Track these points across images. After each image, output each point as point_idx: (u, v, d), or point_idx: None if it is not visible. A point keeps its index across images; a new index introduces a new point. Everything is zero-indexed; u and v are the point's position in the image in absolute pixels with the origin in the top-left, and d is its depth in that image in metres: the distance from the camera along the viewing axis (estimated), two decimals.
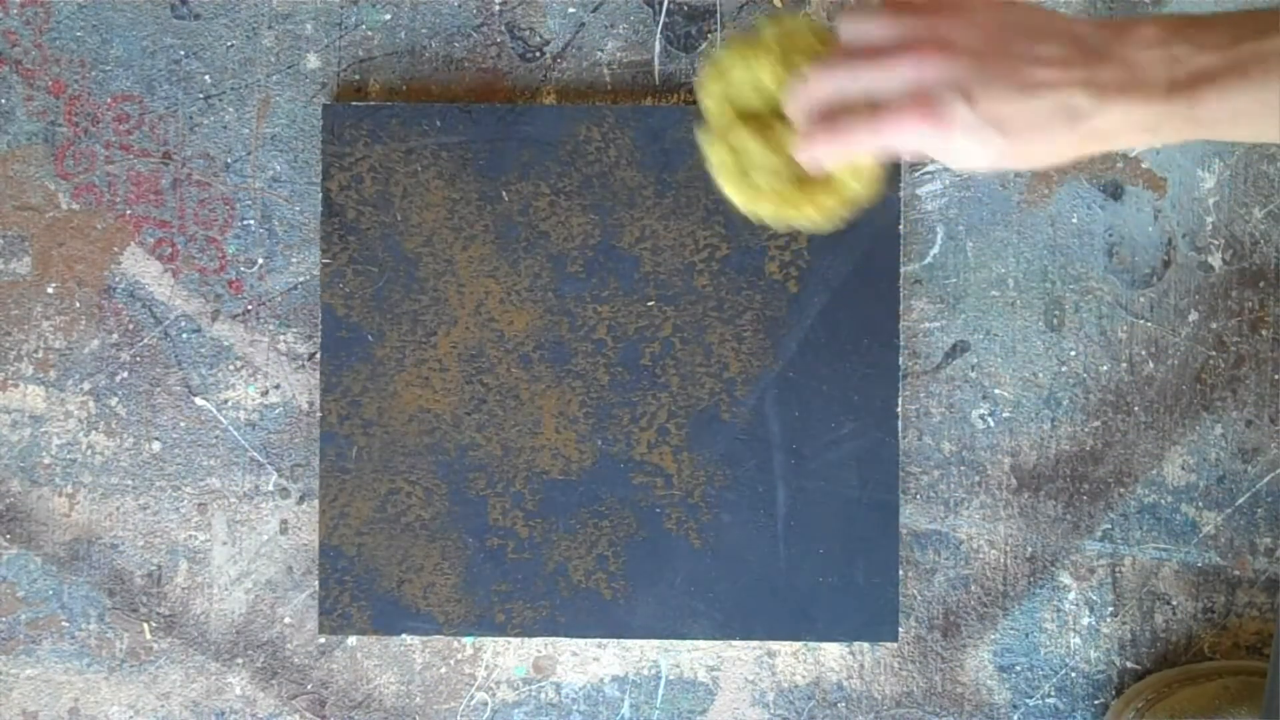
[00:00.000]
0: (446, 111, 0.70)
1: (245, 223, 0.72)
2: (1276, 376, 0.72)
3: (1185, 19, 0.53)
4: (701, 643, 0.72)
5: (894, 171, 0.70)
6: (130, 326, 0.72)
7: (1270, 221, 0.72)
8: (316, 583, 0.72)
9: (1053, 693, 0.72)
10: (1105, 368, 0.72)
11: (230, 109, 0.72)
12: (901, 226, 0.70)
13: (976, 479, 0.72)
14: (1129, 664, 0.72)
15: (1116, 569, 0.72)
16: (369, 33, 0.72)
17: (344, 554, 0.70)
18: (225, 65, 0.72)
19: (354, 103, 0.71)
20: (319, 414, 0.71)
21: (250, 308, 0.72)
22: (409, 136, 0.70)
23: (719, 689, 0.72)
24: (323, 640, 0.72)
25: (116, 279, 0.72)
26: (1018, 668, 0.72)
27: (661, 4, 0.72)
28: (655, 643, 0.72)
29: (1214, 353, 0.72)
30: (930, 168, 0.72)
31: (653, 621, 0.70)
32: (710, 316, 0.70)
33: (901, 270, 0.70)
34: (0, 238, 0.72)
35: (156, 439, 0.72)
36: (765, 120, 0.61)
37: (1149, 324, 0.72)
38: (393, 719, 0.72)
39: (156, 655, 0.72)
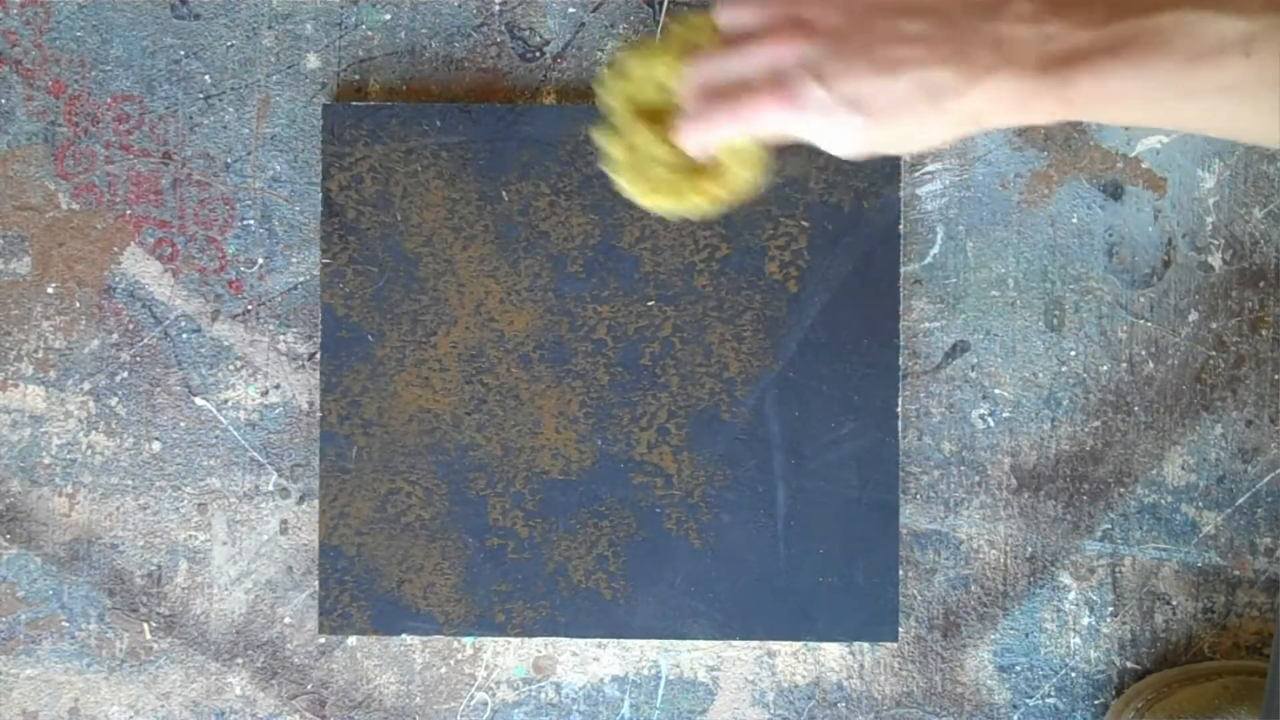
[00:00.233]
0: (446, 111, 0.70)
1: (245, 223, 0.72)
2: (1276, 376, 0.72)
3: None
4: (701, 643, 0.72)
5: (894, 171, 0.70)
6: (130, 326, 0.72)
7: (1270, 221, 0.72)
8: (316, 583, 0.72)
9: (1053, 693, 0.72)
10: (1105, 368, 0.72)
11: (230, 109, 0.72)
12: (901, 226, 0.70)
13: (976, 479, 0.72)
14: (1129, 664, 0.72)
15: (1116, 569, 0.72)
16: (369, 33, 0.72)
17: (344, 554, 0.70)
18: (225, 65, 0.72)
19: (354, 103, 0.71)
20: (319, 414, 0.71)
21: (250, 308, 0.72)
22: (409, 136, 0.70)
23: (719, 689, 0.72)
24: (323, 640, 0.72)
25: (116, 279, 0.72)
26: (1018, 668, 0.72)
27: (661, 4, 0.72)
28: (655, 643, 0.72)
29: (1214, 353, 0.72)
30: (930, 168, 0.72)
31: (653, 621, 0.70)
32: (710, 316, 0.70)
33: (901, 270, 0.70)
34: (0, 238, 0.72)
35: (156, 439, 0.72)
36: (663, 115, 0.61)
37: (1149, 324, 0.72)
38: (393, 719, 0.72)
39: (156, 655, 0.72)
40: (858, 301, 0.70)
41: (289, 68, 0.72)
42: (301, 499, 0.72)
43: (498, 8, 0.72)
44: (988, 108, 0.51)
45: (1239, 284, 0.72)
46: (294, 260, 0.72)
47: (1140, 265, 0.72)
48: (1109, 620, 0.72)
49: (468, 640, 0.72)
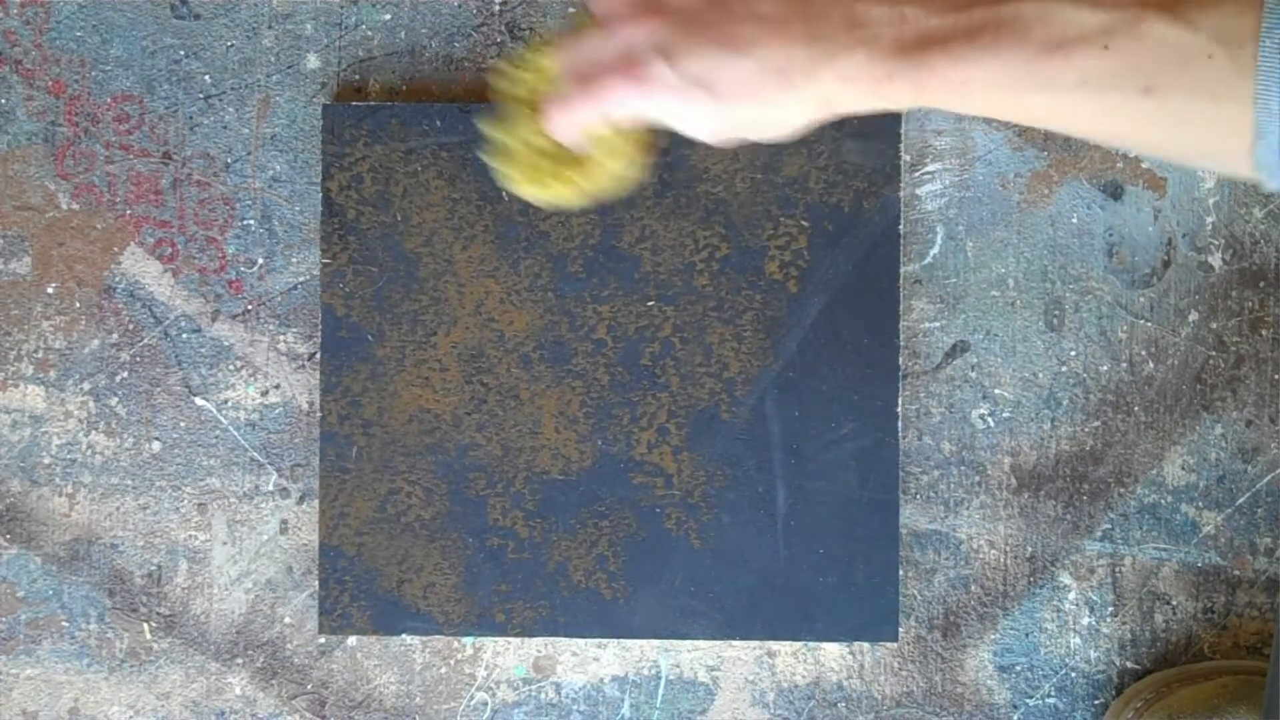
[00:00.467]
0: (446, 111, 0.70)
1: (245, 223, 0.72)
2: (1276, 376, 0.72)
3: None
4: (701, 643, 0.72)
5: (894, 171, 0.70)
6: (130, 326, 0.72)
7: (1270, 221, 0.72)
8: (316, 583, 0.72)
9: (1053, 693, 0.72)
10: (1105, 368, 0.72)
11: (230, 109, 0.72)
12: (901, 226, 0.70)
13: (976, 479, 0.72)
14: (1129, 664, 0.72)
15: (1116, 569, 0.72)
16: (369, 33, 0.72)
17: (344, 554, 0.70)
18: (225, 65, 0.72)
19: (354, 103, 0.71)
20: (319, 414, 0.71)
21: (250, 308, 0.72)
22: (409, 136, 0.70)
23: (719, 689, 0.72)
24: (323, 640, 0.72)
25: (116, 279, 0.72)
26: (1018, 668, 0.72)
27: None
28: (655, 643, 0.72)
29: (1214, 353, 0.72)
30: (930, 168, 0.72)
31: (653, 621, 0.70)
32: (710, 316, 0.70)
33: (901, 270, 0.70)
34: (0, 238, 0.72)
35: (156, 439, 0.72)
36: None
37: (1149, 324, 0.72)
38: (393, 719, 0.72)
39: (156, 655, 0.72)
40: (858, 301, 0.70)
41: (289, 68, 0.72)
42: (301, 499, 0.72)
43: (498, 8, 0.72)
44: (840, 90, 0.49)
45: (1239, 284, 0.72)
46: (294, 260, 0.72)
47: (1140, 265, 0.72)
48: (1109, 620, 0.72)
49: (468, 640, 0.72)
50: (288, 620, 0.72)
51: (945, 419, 0.72)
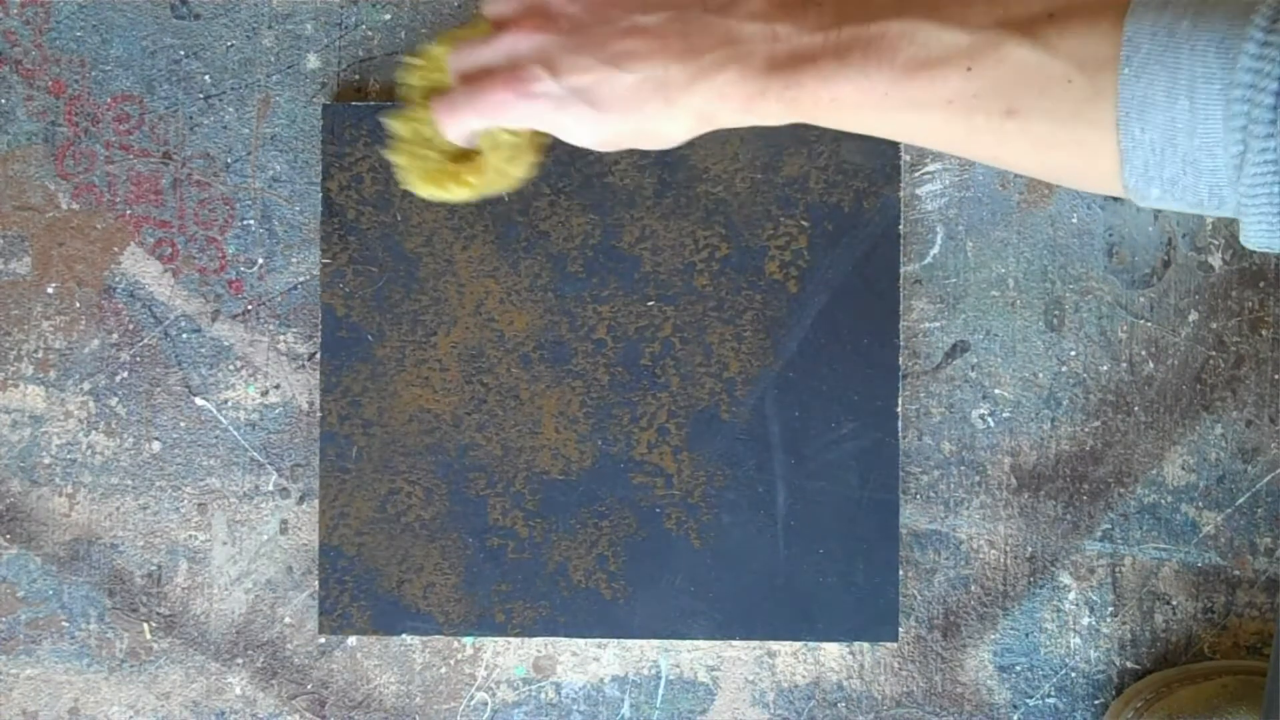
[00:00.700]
0: None
1: (245, 223, 0.72)
2: (1276, 376, 0.72)
3: None
4: (701, 643, 0.72)
5: (894, 171, 0.70)
6: (130, 326, 0.72)
7: None
8: (316, 583, 0.72)
9: (1053, 693, 0.72)
10: (1105, 368, 0.72)
11: (230, 109, 0.72)
12: (901, 226, 0.70)
13: (976, 479, 0.72)
14: (1129, 664, 0.72)
15: (1116, 569, 0.72)
16: (369, 33, 0.72)
17: (344, 554, 0.70)
18: (225, 65, 0.72)
19: (354, 103, 0.71)
20: (319, 414, 0.71)
21: (250, 308, 0.72)
22: None
23: (719, 689, 0.72)
24: (323, 640, 0.72)
25: (116, 279, 0.72)
26: (1018, 668, 0.72)
27: None
28: (655, 643, 0.72)
29: (1214, 353, 0.72)
30: (930, 168, 0.72)
31: (653, 621, 0.70)
32: (710, 316, 0.70)
33: (901, 270, 0.70)
34: (0, 238, 0.72)
35: (156, 439, 0.72)
36: None
37: (1149, 324, 0.72)
38: (393, 719, 0.72)
39: (156, 655, 0.72)
40: (858, 301, 0.70)
41: (289, 68, 0.72)
42: (301, 499, 0.72)
43: None
44: (716, 105, 0.50)
45: (1239, 284, 0.72)
46: (294, 260, 0.72)
47: (1140, 265, 0.72)
48: (1109, 620, 0.72)
49: (468, 640, 0.72)
50: (288, 620, 0.72)
51: (945, 419, 0.72)
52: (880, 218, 0.70)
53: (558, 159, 0.70)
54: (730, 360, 0.70)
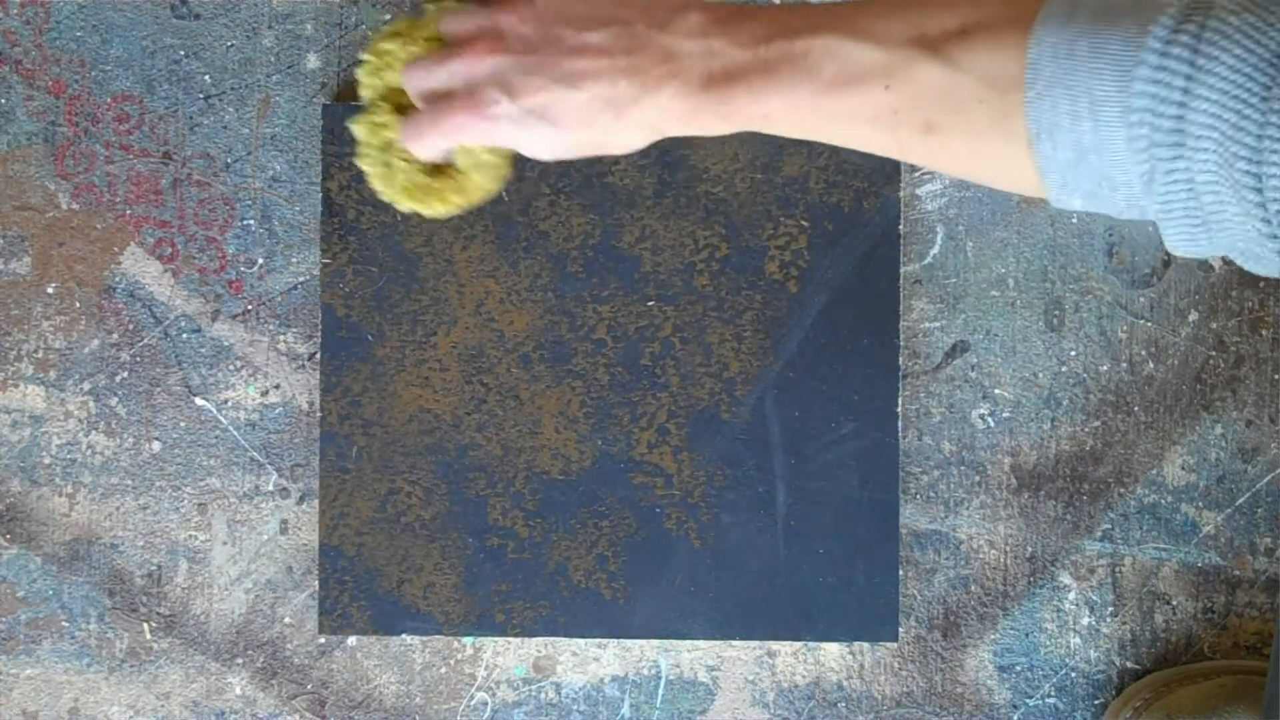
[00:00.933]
0: None
1: (245, 223, 0.72)
2: (1276, 376, 0.72)
3: (732, 9, 0.52)
4: (701, 643, 0.72)
5: (894, 171, 0.70)
6: (130, 326, 0.72)
7: None
8: (316, 583, 0.72)
9: (1053, 693, 0.72)
10: (1105, 368, 0.72)
11: (230, 109, 0.72)
12: (901, 226, 0.70)
13: (976, 479, 0.72)
14: (1129, 664, 0.72)
15: (1116, 569, 0.72)
16: (369, 33, 0.72)
17: (344, 554, 0.70)
18: (225, 65, 0.72)
19: (354, 103, 0.71)
20: (319, 414, 0.71)
21: (250, 308, 0.72)
22: None
23: (719, 689, 0.72)
24: (323, 640, 0.72)
25: (116, 279, 0.72)
26: (1018, 668, 0.72)
27: None
28: (655, 643, 0.72)
29: (1214, 353, 0.72)
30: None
31: (653, 621, 0.70)
32: (710, 316, 0.70)
33: (901, 270, 0.70)
34: (0, 238, 0.72)
35: (156, 439, 0.72)
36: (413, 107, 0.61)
37: (1149, 324, 0.72)
38: (393, 719, 0.72)
39: (156, 655, 0.72)
40: (858, 301, 0.70)
41: (289, 68, 0.72)
42: (301, 499, 0.72)
43: None
44: (661, 118, 0.52)
45: (1239, 284, 0.72)
46: (294, 260, 0.72)
47: (1140, 265, 0.72)
48: (1109, 620, 0.72)
49: (468, 640, 0.72)
50: (288, 620, 0.72)
51: (945, 419, 0.72)
52: (880, 218, 0.70)
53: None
54: (730, 360, 0.70)
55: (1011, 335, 0.72)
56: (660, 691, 0.72)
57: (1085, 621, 0.72)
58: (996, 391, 0.72)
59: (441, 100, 0.56)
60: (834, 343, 0.70)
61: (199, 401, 0.72)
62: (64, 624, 0.72)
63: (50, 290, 0.72)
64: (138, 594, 0.72)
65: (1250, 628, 0.72)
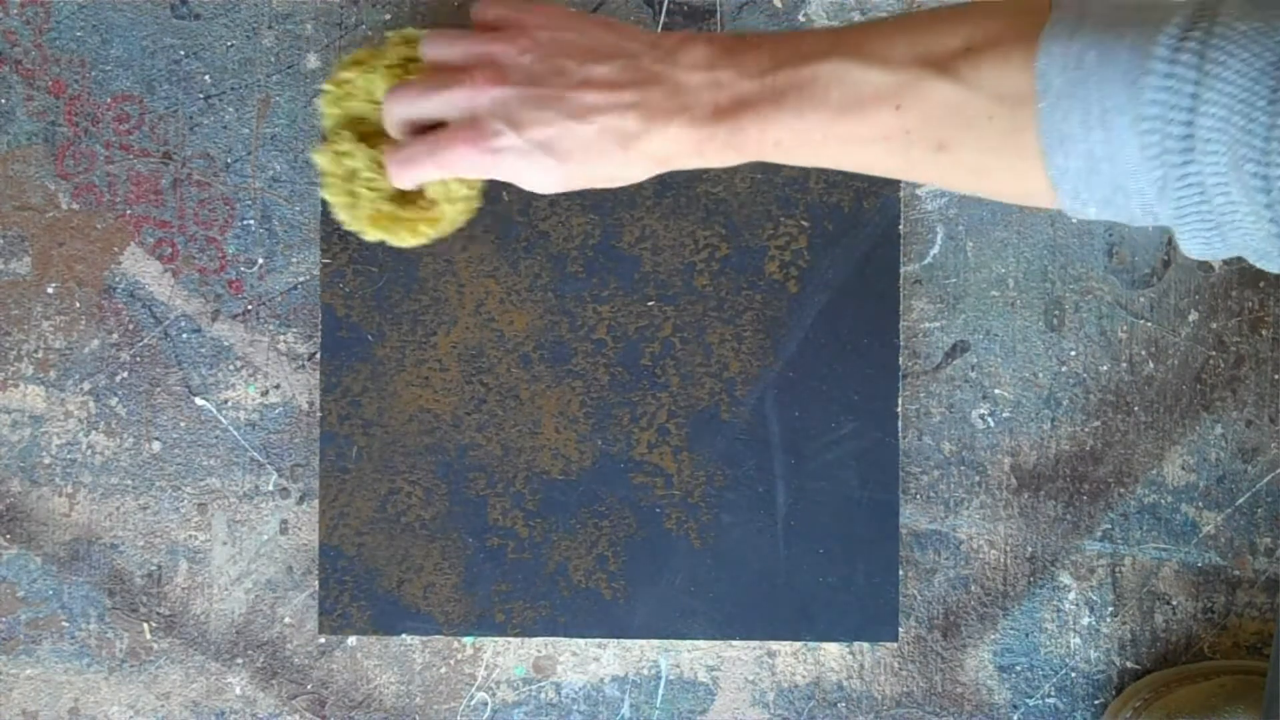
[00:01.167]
0: None
1: (245, 223, 0.72)
2: (1276, 376, 0.72)
3: (736, 39, 0.52)
4: (701, 643, 0.72)
5: None
6: (130, 326, 0.72)
7: None
8: (316, 583, 0.72)
9: (1053, 693, 0.72)
10: (1105, 368, 0.72)
11: (230, 109, 0.72)
12: (901, 226, 0.70)
13: (976, 479, 0.72)
14: (1129, 664, 0.72)
15: (1116, 569, 0.72)
16: (369, 33, 0.72)
17: (344, 554, 0.70)
18: (225, 65, 0.72)
19: None
20: (319, 414, 0.71)
21: (250, 308, 0.72)
22: None
23: (719, 689, 0.72)
24: (323, 640, 0.72)
25: (116, 279, 0.72)
26: (1018, 668, 0.72)
27: (661, 4, 0.72)
28: (655, 643, 0.72)
29: (1214, 353, 0.72)
30: None
31: (653, 621, 0.70)
32: (710, 316, 0.70)
33: (901, 270, 0.70)
34: (0, 238, 0.72)
35: (156, 439, 0.72)
36: (378, 136, 0.62)
37: (1149, 324, 0.72)
38: (393, 719, 0.72)
39: (156, 655, 0.72)
40: (858, 301, 0.70)
41: (289, 68, 0.72)
42: (301, 499, 0.72)
43: None
44: (671, 150, 0.52)
45: (1239, 284, 0.72)
46: (294, 260, 0.72)
47: (1140, 265, 0.72)
48: (1109, 620, 0.72)
49: (468, 640, 0.72)
50: (288, 620, 0.72)
51: (945, 419, 0.72)
52: (880, 218, 0.70)
53: None
54: (730, 360, 0.70)
55: (1011, 335, 0.72)
56: (660, 691, 0.72)
57: (1085, 621, 0.72)
58: (996, 391, 0.72)
59: (435, 131, 0.55)
60: (834, 343, 0.70)
61: (199, 401, 0.72)
62: (64, 624, 0.72)
63: (50, 290, 0.72)
64: (138, 594, 0.72)
65: (1250, 628, 0.72)
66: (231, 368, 0.72)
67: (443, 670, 0.72)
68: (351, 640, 0.72)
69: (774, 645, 0.72)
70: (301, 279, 0.72)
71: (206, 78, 0.72)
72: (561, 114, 0.52)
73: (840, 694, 0.72)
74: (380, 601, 0.70)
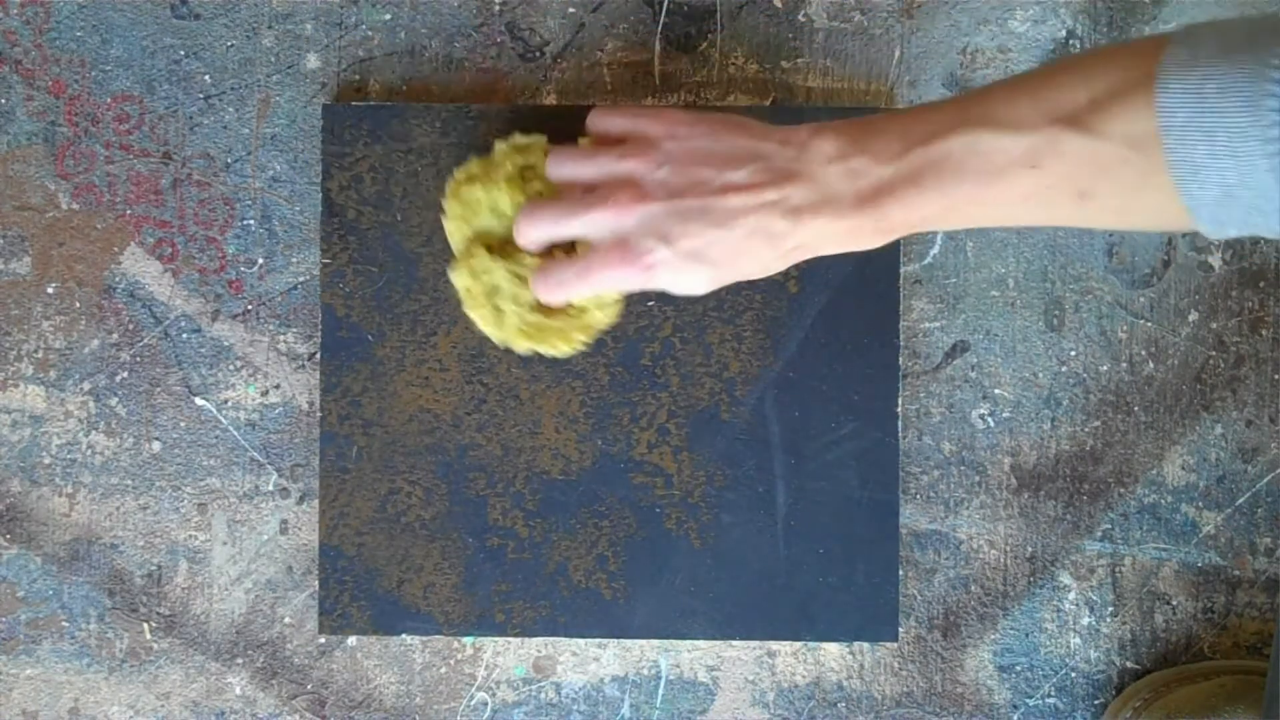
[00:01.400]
0: (446, 111, 0.70)
1: (245, 223, 0.72)
2: (1276, 376, 0.72)
3: (861, 126, 0.53)
4: (701, 643, 0.72)
5: None
6: (130, 326, 0.72)
7: None
8: (316, 583, 0.72)
9: (1053, 693, 0.72)
10: (1105, 368, 0.72)
11: (230, 109, 0.72)
12: None
13: (976, 479, 0.72)
14: (1129, 664, 0.72)
15: (1116, 569, 0.72)
16: (369, 33, 0.72)
17: (344, 554, 0.70)
18: (225, 65, 0.72)
19: (354, 103, 0.71)
20: (319, 414, 0.71)
21: (250, 308, 0.72)
22: (409, 136, 0.70)
23: (719, 689, 0.72)
24: (323, 640, 0.72)
25: (116, 279, 0.72)
26: (1018, 668, 0.72)
27: (661, 4, 0.72)
28: (655, 643, 0.72)
29: (1214, 353, 0.72)
30: None
31: (653, 621, 0.70)
32: (710, 316, 0.70)
33: (901, 270, 0.70)
34: (0, 238, 0.72)
35: (156, 439, 0.72)
36: (508, 246, 0.63)
37: (1149, 324, 0.72)
38: (393, 719, 0.72)
39: (156, 655, 0.72)
40: (858, 301, 0.70)
41: (289, 68, 0.72)
42: (301, 499, 0.72)
43: (498, 8, 0.72)
44: (818, 241, 0.54)
45: (1239, 284, 0.72)
46: (294, 260, 0.72)
47: (1140, 265, 0.72)
48: (1109, 620, 0.72)
49: (468, 640, 0.72)
50: (288, 620, 0.72)
51: (945, 419, 0.72)
52: None
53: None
54: (730, 360, 0.70)
55: (1011, 335, 0.72)
56: (660, 691, 0.72)
57: (1085, 621, 0.72)
58: (996, 391, 0.72)
59: (580, 250, 0.57)
60: (834, 343, 0.70)
61: (199, 401, 0.72)
62: (64, 624, 0.72)
63: (50, 290, 0.72)
64: (138, 594, 0.72)
65: (1250, 628, 0.72)
66: (231, 368, 0.72)
67: (443, 670, 0.72)
68: (351, 640, 0.72)
69: (774, 645, 0.72)
70: (301, 279, 0.72)
71: (206, 78, 0.72)
72: (708, 223, 0.54)
73: (840, 694, 0.72)
74: (380, 601, 0.70)
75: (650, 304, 0.70)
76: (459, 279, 0.63)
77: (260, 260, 0.72)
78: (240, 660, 0.72)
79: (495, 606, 0.70)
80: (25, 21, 0.72)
